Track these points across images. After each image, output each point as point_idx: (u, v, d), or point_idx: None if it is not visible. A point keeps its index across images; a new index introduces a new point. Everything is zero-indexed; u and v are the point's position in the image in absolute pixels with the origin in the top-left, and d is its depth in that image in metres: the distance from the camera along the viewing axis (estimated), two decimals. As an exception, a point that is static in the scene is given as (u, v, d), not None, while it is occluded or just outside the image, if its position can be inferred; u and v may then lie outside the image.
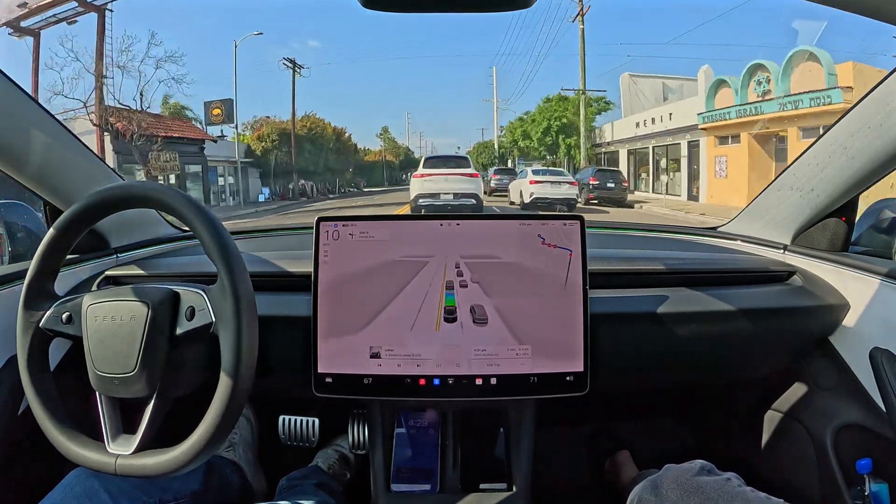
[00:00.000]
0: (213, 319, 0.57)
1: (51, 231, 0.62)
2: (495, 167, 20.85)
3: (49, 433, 0.60)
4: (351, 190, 24.21)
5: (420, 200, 8.48)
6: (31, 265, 0.63)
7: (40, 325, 0.61)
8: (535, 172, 12.79)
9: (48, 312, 0.62)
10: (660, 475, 0.64)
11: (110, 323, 0.58)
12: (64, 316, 0.61)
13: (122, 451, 0.57)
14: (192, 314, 0.59)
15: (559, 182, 12.06)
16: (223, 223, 0.60)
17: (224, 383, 0.56)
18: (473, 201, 8.57)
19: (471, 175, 8.98)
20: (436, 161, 9.50)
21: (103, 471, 0.58)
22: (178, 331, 0.59)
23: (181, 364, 0.61)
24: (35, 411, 0.61)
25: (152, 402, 0.58)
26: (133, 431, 0.59)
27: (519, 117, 24.69)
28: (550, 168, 17.01)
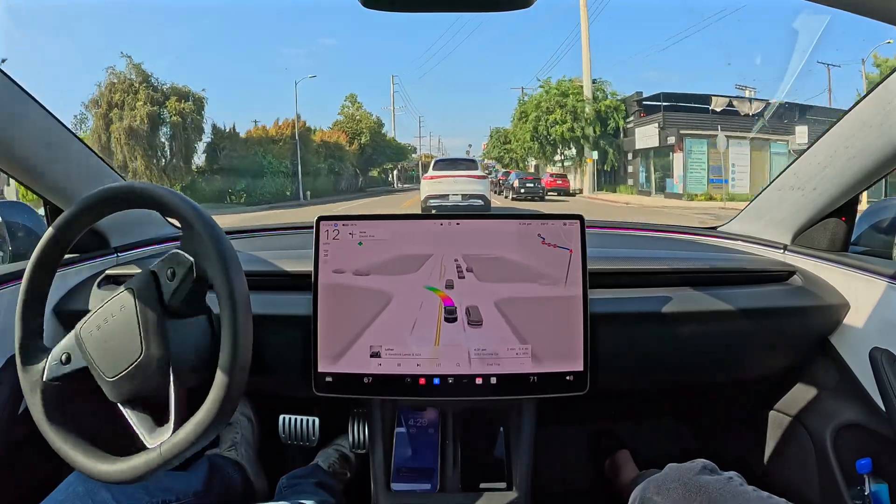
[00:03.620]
0: (193, 259, 0.57)
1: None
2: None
3: (89, 470, 0.58)
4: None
5: (430, 201, 9.00)
6: (16, 325, 0.61)
7: (44, 379, 0.60)
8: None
9: (46, 363, 0.61)
10: (662, 474, 0.64)
11: (105, 326, 0.59)
12: (63, 357, 0.60)
13: (162, 439, 0.56)
14: (172, 275, 0.59)
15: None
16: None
17: (225, 350, 0.55)
18: (481, 202, 9.09)
19: (479, 177, 9.60)
20: (445, 163, 10.15)
21: (156, 468, 0.55)
22: (166, 297, 0.59)
23: (185, 333, 0.60)
24: (67, 457, 0.59)
25: (171, 388, 0.57)
26: (162, 424, 0.58)
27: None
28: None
